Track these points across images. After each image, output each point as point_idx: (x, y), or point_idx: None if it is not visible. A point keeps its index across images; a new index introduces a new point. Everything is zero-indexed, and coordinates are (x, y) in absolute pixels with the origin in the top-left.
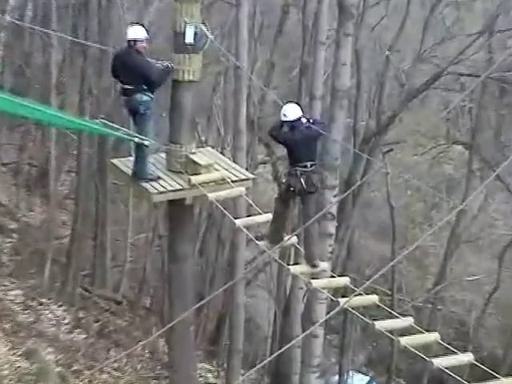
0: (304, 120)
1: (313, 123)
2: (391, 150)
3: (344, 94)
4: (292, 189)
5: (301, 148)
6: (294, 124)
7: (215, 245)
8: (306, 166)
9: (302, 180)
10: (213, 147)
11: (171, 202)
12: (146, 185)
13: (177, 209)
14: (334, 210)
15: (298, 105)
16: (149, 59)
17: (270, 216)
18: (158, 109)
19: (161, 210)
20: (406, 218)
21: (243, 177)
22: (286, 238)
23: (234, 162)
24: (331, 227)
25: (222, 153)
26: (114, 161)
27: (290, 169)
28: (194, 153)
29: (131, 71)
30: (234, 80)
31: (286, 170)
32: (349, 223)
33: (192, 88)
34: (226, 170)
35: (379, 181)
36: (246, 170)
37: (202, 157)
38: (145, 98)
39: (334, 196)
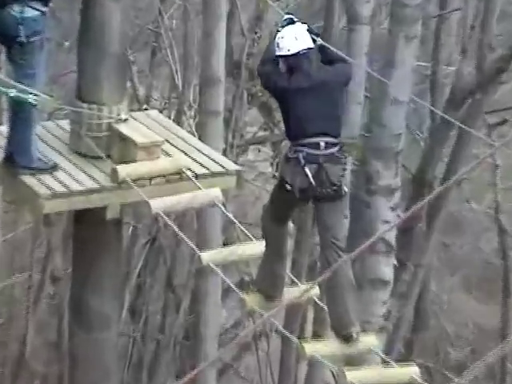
0: (314, 55)
1: (330, 61)
2: (505, 121)
3: (414, 11)
4: (289, 187)
5: (308, 107)
6: (296, 62)
7: (162, 296)
8: (317, 145)
9: (308, 171)
10: (161, 111)
11: (79, 215)
12: (31, 179)
13: (89, 227)
14: (391, 235)
15: (308, 28)
16: None
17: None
18: (56, 34)
19: (58, 229)
20: None
21: (218, 168)
22: (291, 287)
23: (201, 139)
24: (386, 268)
25: (178, 122)
26: None
27: (289, 149)
28: (124, 120)
29: None
30: None
31: (282, 153)
32: (420, 262)
33: None
34: (186, 154)
35: (479, 181)
36: (225, 155)
37: (139, 129)
38: (30, 12)
39: (393, 209)
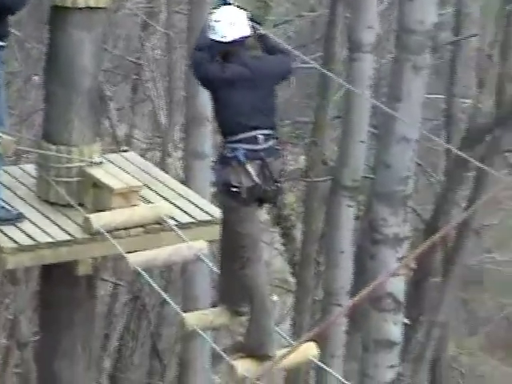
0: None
1: (270, 52)
2: None
3: (423, 40)
4: (236, 190)
5: (245, 99)
6: (232, 50)
7: (146, 362)
8: (255, 139)
9: (251, 169)
10: (143, 152)
11: (47, 271)
12: None
13: (59, 285)
14: (399, 290)
15: (248, 15)
16: None
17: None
18: (24, 67)
19: (27, 288)
20: None
21: (205, 217)
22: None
23: (186, 184)
24: (395, 327)
25: (163, 164)
26: None
27: (224, 148)
28: (98, 163)
29: None
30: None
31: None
32: (435, 319)
33: (95, 24)
34: (168, 200)
35: (502, 228)
36: (212, 202)
37: (115, 173)
38: None
39: (400, 260)
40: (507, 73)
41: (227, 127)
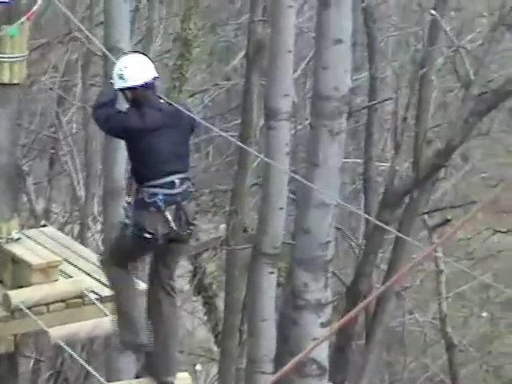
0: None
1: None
2: (447, 221)
3: (339, 105)
4: (149, 236)
5: (163, 146)
6: (144, 93)
7: None
8: (173, 184)
9: (169, 216)
10: (62, 229)
11: None
12: None
13: None
14: (323, 355)
15: (149, 61)
16: None
17: None
18: None
19: None
20: (481, 369)
21: None
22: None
23: None
24: None
25: (82, 238)
26: None
27: (141, 193)
28: (16, 240)
29: None
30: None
31: (125, 199)
32: (359, 383)
33: (10, 100)
34: (89, 274)
35: (422, 291)
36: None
37: (34, 248)
38: None
39: (323, 325)
40: (422, 135)
41: (146, 173)
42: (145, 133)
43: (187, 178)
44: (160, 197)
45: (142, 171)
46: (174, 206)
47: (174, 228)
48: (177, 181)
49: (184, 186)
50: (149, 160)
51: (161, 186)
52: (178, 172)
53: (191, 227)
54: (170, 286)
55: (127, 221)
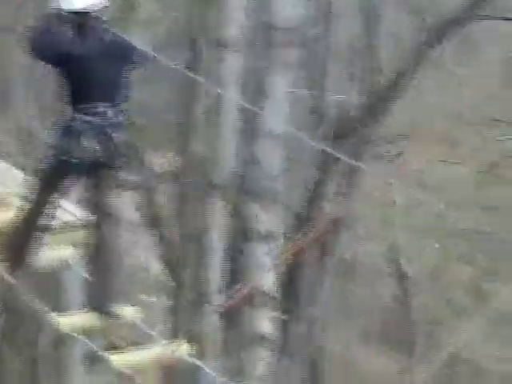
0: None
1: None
2: (399, 154)
3: (288, 32)
4: (74, 160)
5: (98, 73)
6: (85, 21)
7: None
8: (104, 113)
9: (96, 141)
10: None
11: None
12: None
13: None
14: (270, 282)
15: None
16: None
17: None
18: None
19: None
20: (433, 300)
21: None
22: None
23: None
24: (266, 322)
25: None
26: None
27: (67, 116)
28: None
29: None
30: None
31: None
32: (311, 313)
33: None
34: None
35: (374, 221)
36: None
37: None
38: None
39: (273, 256)
40: (375, 66)
41: (75, 98)
42: (84, 60)
43: (120, 109)
44: (88, 122)
45: (71, 96)
46: (102, 134)
47: (101, 155)
48: (110, 111)
49: (119, 118)
50: (80, 85)
51: (92, 114)
52: (113, 103)
53: (121, 157)
54: (105, 209)
55: (55, 144)
